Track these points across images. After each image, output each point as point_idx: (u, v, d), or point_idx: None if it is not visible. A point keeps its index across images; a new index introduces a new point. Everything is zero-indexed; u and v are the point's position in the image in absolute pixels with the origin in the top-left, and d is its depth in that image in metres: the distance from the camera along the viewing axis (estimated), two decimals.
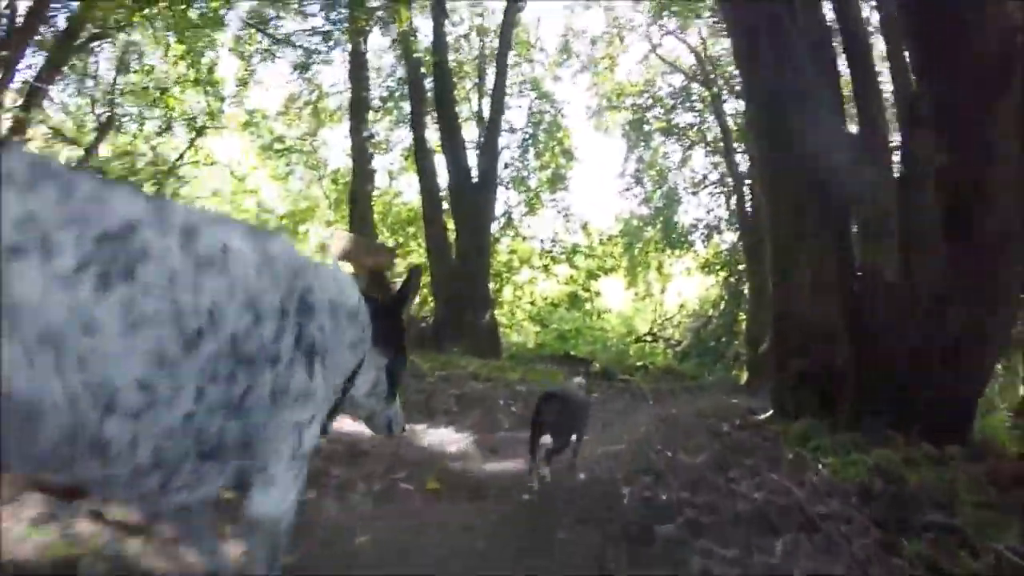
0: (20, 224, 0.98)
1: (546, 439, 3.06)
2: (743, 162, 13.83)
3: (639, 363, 11.41)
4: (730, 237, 15.31)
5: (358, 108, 12.89)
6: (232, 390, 1.23)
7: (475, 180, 11.87)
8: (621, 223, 18.30)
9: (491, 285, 13.17)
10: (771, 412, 5.57)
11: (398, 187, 16.59)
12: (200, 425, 1.20)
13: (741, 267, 14.16)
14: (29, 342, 0.97)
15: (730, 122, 14.21)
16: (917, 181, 4.34)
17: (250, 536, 1.45)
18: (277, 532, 1.43)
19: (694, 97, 16.06)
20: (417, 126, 12.43)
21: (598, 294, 15.77)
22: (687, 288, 16.78)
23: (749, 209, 13.02)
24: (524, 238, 17.19)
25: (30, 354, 0.97)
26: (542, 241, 17.12)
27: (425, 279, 10.93)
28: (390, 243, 13.96)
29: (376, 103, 14.33)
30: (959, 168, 3.86)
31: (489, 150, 12.43)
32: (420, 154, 12.28)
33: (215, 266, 1.21)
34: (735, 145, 13.99)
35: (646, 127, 16.82)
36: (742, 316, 13.85)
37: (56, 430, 1.02)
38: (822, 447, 4.06)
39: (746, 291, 14.01)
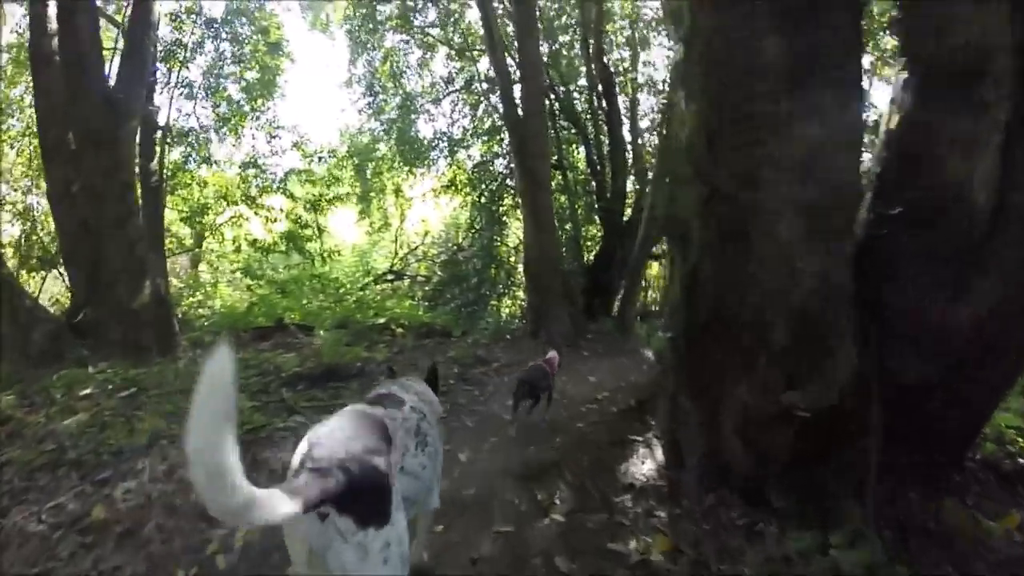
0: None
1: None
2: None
3: (379, 319, 8.56)
4: (475, 152, 13.12)
5: None
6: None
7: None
8: (348, 140, 14.85)
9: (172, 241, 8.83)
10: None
11: None
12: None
13: (494, 185, 12.14)
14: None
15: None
16: None
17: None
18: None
19: None
20: None
21: (322, 231, 12.42)
22: (432, 214, 14.32)
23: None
24: (215, 163, 12.74)
25: None
26: (243, 167, 12.97)
27: None
28: None
29: None
30: None
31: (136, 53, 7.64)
32: None
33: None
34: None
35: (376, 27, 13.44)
36: (503, 246, 11.99)
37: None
38: None
39: (504, 212, 12.11)
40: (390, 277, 12.94)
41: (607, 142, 11.93)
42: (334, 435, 1.69)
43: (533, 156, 8.93)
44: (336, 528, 1.50)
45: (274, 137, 13.04)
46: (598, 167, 11.82)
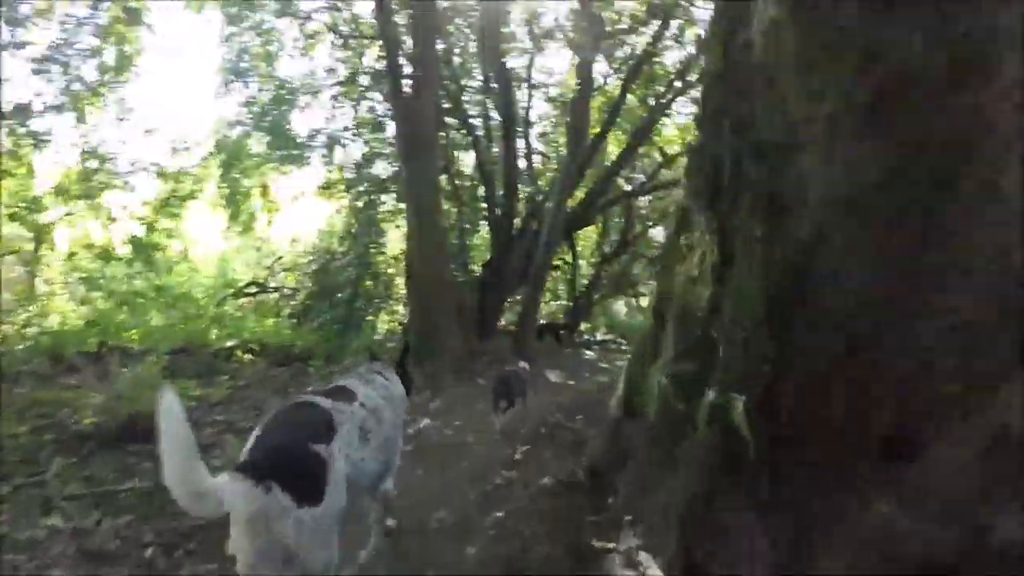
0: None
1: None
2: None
3: (230, 343, 7.16)
4: (356, 151, 11.82)
5: None
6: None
7: None
8: (217, 134, 13.02)
9: None
10: None
11: None
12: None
13: (373, 188, 10.93)
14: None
15: None
16: None
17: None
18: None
19: None
20: None
21: (171, 235, 10.67)
22: (304, 219, 12.78)
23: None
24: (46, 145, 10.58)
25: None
26: (84, 157, 10.93)
27: None
28: None
29: None
30: None
31: None
32: None
33: None
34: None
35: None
36: (380, 255, 10.79)
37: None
38: None
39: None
40: (253, 290, 11.37)
41: (500, 146, 11.13)
42: (281, 423, 2.11)
43: (421, 157, 7.95)
44: (277, 501, 1.76)
45: (122, 120, 11.09)
46: (489, 172, 10.98)
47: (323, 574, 1.91)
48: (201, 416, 4.92)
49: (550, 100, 13.43)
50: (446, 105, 10.87)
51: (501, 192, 10.77)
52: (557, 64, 19.32)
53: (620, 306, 16.15)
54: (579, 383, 6.98)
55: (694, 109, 14.55)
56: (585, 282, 13.76)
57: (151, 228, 10.73)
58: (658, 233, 15.07)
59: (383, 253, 10.55)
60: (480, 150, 11.09)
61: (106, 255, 10.70)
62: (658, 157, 14.01)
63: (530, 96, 12.64)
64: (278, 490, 1.76)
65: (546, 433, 4.44)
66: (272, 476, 1.76)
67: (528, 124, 12.43)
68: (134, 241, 10.59)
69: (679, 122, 14.32)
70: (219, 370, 6.16)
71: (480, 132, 11.30)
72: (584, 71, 9.95)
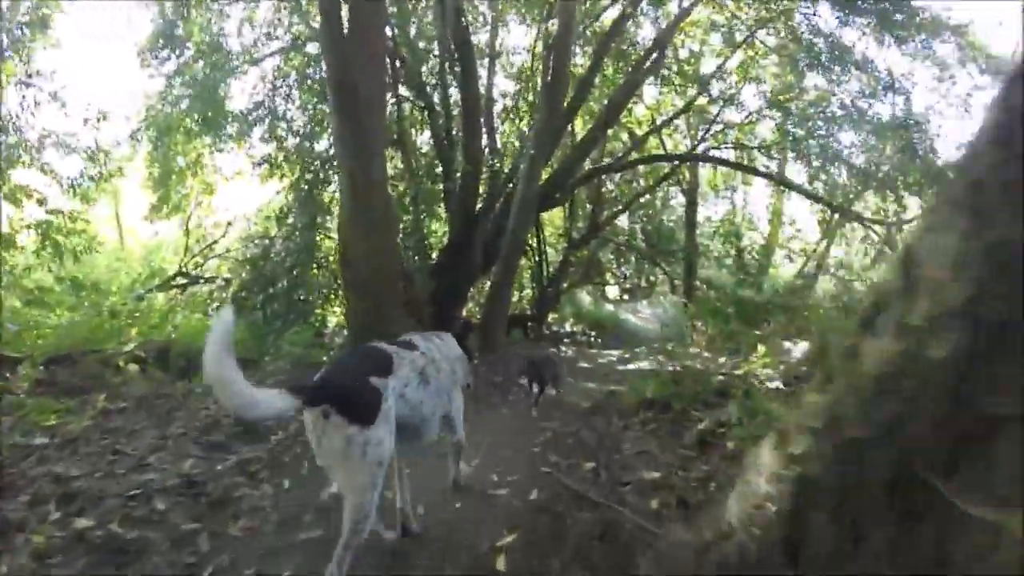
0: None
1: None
2: None
3: (127, 346, 5.89)
4: (298, 125, 10.60)
5: None
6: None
7: None
8: (147, 108, 11.59)
9: None
10: None
11: None
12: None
13: (317, 165, 9.78)
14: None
15: None
16: None
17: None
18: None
19: None
20: None
21: (85, 220, 9.31)
22: (241, 202, 11.52)
23: None
24: None
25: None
26: None
27: None
28: None
29: None
30: None
31: None
32: None
33: None
34: None
35: None
36: (329, 239, 9.66)
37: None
38: None
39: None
40: (181, 281, 10.11)
41: (459, 121, 10.11)
42: (344, 361, 2.63)
43: (359, 114, 6.65)
44: (332, 423, 2.09)
45: (29, 86, 9.64)
46: (446, 144, 9.93)
47: (360, 499, 2.14)
48: (31, 467, 3.38)
49: (514, 75, 12.57)
50: (398, 69, 9.83)
51: (460, 172, 9.78)
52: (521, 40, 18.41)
53: (584, 296, 15.32)
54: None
55: (664, 90, 13.97)
56: (552, 270, 12.90)
57: (60, 212, 9.38)
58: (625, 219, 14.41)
59: (331, 238, 9.40)
60: (436, 123, 10.07)
61: (8, 242, 9.32)
62: (626, 138, 13.32)
63: (491, 70, 11.75)
64: (334, 412, 2.10)
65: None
66: (328, 400, 2.11)
67: (491, 100, 11.50)
68: (40, 226, 9.25)
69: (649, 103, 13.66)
70: (106, 384, 4.99)
71: (437, 104, 10.27)
72: (566, 12, 8.93)
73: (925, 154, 9.45)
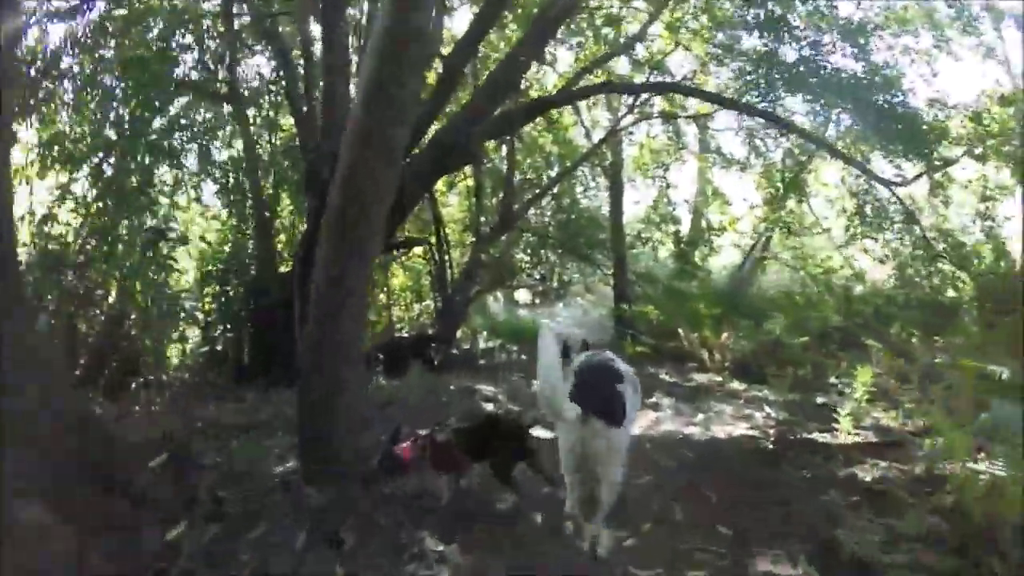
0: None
1: None
2: None
3: None
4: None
5: None
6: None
7: None
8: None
9: None
10: None
11: None
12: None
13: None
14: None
15: None
16: None
17: None
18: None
19: None
20: None
21: None
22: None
23: None
24: None
25: None
26: None
27: None
28: None
29: None
30: None
31: None
32: None
33: None
34: None
35: None
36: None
37: None
38: None
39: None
40: None
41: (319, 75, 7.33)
42: (593, 370, 3.16)
43: None
44: (594, 426, 2.78)
45: None
46: (303, 108, 7.19)
47: (615, 480, 2.90)
48: None
49: None
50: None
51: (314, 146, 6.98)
52: None
53: (493, 303, 12.79)
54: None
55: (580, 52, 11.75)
56: (457, 273, 10.21)
57: None
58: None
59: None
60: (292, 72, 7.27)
61: None
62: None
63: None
64: (594, 419, 2.80)
65: None
66: (590, 408, 2.81)
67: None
68: None
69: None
70: None
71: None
72: None
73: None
